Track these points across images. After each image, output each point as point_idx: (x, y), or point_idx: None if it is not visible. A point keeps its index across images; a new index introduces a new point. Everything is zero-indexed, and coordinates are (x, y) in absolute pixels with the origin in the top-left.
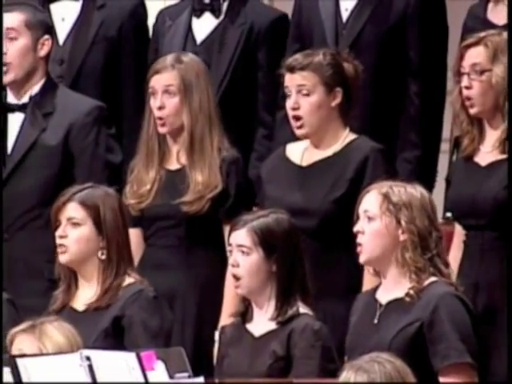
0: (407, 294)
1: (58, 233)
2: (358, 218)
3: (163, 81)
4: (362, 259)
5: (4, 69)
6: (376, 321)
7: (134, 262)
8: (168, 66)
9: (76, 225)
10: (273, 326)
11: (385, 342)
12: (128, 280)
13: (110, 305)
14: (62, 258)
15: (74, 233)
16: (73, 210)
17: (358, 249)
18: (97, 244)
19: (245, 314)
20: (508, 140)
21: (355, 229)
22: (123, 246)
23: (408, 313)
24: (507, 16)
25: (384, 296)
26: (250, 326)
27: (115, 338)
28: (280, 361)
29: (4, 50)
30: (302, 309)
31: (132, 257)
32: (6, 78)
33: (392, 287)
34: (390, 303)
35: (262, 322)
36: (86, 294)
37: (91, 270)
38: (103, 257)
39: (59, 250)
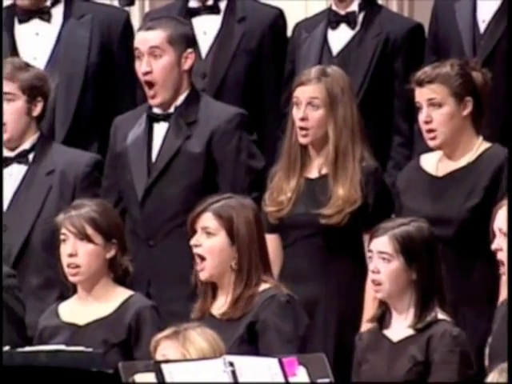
0: None
1: (193, 241)
2: (494, 235)
3: (308, 93)
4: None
5: (152, 92)
6: None
7: (271, 269)
8: (313, 78)
9: (210, 234)
10: (410, 331)
11: None
12: (263, 286)
13: (245, 313)
14: (202, 276)
15: (207, 242)
16: (207, 220)
17: (501, 270)
18: (230, 254)
19: (382, 319)
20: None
21: (493, 247)
22: (257, 255)
23: None
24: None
25: None
26: (387, 332)
27: (250, 344)
28: (419, 365)
29: (149, 68)
30: (441, 315)
31: (269, 263)
32: (155, 101)
33: None
34: None
35: (400, 328)
36: (222, 303)
37: (226, 279)
38: (235, 267)
39: (198, 267)
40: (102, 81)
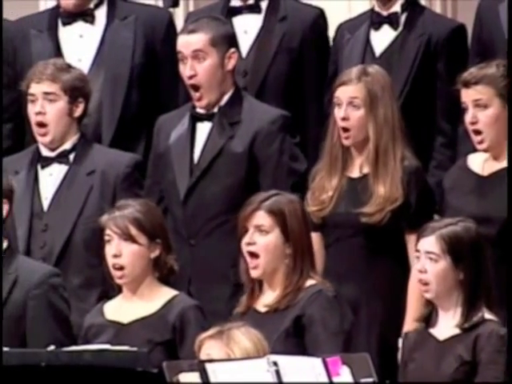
0: None
1: (245, 240)
2: None
3: (349, 93)
4: None
5: (198, 95)
6: None
7: (315, 265)
8: (354, 78)
9: (264, 232)
10: (457, 330)
11: None
12: (310, 282)
13: (289, 306)
14: (255, 273)
15: (261, 240)
16: (261, 218)
17: None
18: (283, 250)
19: (428, 318)
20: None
21: None
22: (307, 251)
23: None
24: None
25: None
26: (433, 331)
27: (296, 337)
28: (465, 365)
29: (193, 72)
30: (488, 315)
31: (314, 260)
32: (202, 103)
33: None
34: None
35: (446, 327)
36: (268, 297)
37: (278, 275)
38: (289, 263)
39: (251, 264)
40: (146, 81)
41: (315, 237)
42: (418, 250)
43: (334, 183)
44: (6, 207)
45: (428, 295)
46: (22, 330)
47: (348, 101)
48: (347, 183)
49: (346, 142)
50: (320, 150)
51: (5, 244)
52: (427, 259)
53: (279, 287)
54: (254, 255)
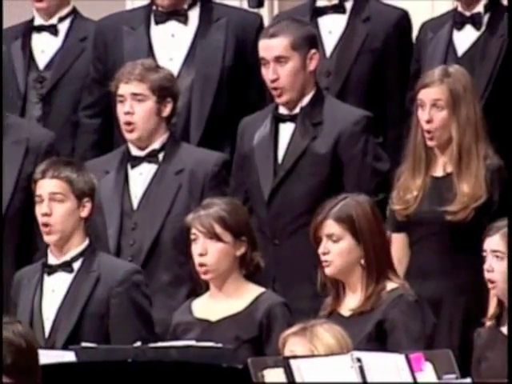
0: None
1: (321, 250)
2: None
3: (432, 95)
4: None
5: (278, 92)
6: None
7: (394, 266)
8: (436, 80)
9: (335, 240)
10: None
11: None
12: (391, 285)
13: (373, 309)
14: (328, 271)
15: (334, 248)
16: (331, 227)
17: None
18: (357, 253)
19: (500, 317)
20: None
21: None
22: (381, 250)
23: None
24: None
25: None
26: (504, 329)
27: (378, 341)
28: None
29: (275, 76)
30: None
31: (392, 260)
32: (282, 99)
33: None
34: None
35: None
36: (351, 300)
37: (355, 278)
38: (364, 264)
39: (324, 264)
40: (236, 83)
41: (400, 237)
42: (484, 250)
43: (418, 183)
44: (88, 206)
45: (496, 293)
46: (105, 327)
47: (431, 103)
48: (431, 182)
49: (430, 143)
50: (400, 149)
51: (86, 242)
52: (494, 258)
53: (360, 290)
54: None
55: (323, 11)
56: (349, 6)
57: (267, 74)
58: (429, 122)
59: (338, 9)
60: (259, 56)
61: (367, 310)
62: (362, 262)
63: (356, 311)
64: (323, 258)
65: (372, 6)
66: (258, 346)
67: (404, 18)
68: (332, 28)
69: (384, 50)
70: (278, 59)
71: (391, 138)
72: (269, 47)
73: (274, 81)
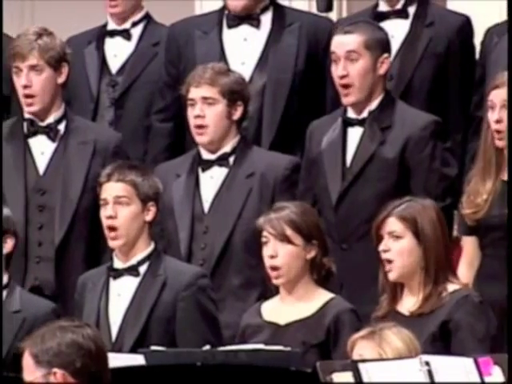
0: None
1: (381, 247)
2: None
3: (502, 95)
4: None
5: (345, 91)
6: None
7: (454, 268)
8: (506, 80)
9: (397, 238)
10: None
11: None
12: (453, 286)
13: (434, 310)
14: (391, 276)
15: (395, 246)
16: (392, 224)
17: None
18: (418, 254)
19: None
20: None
21: None
22: (442, 254)
23: None
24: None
25: None
26: None
27: (442, 341)
28: None
29: (345, 72)
30: None
31: (452, 263)
32: (349, 99)
33: None
34: None
35: None
36: (409, 301)
37: (415, 278)
38: (424, 266)
39: (386, 266)
40: (307, 87)
41: (470, 240)
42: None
43: (488, 187)
44: (153, 210)
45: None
46: (172, 330)
47: (502, 103)
48: (501, 186)
49: (499, 144)
50: (464, 154)
51: (152, 246)
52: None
53: (419, 291)
54: (389, 261)
55: (386, 16)
56: (412, 10)
57: (336, 70)
58: (499, 121)
59: (401, 14)
60: (330, 51)
61: (426, 312)
62: (422, 264)
63: (415, 312)
64: (383, 255)
65: (435, 11)
66: (325, 352)
67: (466, 23)
68: (394, 32)
69: (446, 54)
70: (349, 56)
71: (454, 142)
72: (342, 42)
73: (342, 77)
